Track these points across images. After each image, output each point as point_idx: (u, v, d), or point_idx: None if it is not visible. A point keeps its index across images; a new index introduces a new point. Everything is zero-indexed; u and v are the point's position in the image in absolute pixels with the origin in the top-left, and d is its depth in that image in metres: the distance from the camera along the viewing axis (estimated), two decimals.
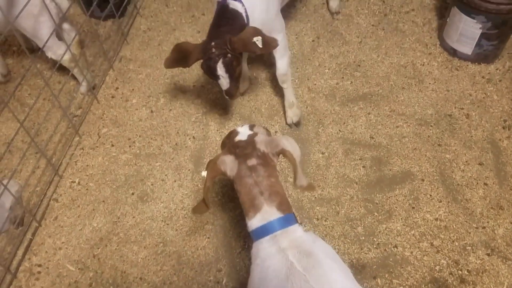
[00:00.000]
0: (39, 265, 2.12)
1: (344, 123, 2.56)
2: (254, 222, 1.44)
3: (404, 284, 1.96)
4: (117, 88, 2.88)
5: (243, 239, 2.13)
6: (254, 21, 2.17)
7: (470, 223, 2.12)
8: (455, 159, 2.36)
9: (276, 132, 2.54)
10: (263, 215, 1.42)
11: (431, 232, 2.10)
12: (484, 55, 2.75)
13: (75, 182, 2.42)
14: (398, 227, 2.13)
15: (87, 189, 2.39)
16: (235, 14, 2.13)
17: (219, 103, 2.70)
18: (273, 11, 2.30)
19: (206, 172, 1.53)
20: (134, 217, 2.26)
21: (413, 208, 2.19)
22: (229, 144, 1.57)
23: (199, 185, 2.36)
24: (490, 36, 2.64)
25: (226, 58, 2.09)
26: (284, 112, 2.59)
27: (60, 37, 2.55)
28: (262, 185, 1.45)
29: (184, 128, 2.62)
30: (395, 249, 2.06)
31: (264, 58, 2.92)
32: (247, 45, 2.06)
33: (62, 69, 2.69)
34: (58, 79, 2.95)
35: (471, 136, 2.45)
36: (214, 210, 2.25)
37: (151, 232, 2.20)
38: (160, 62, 2.99)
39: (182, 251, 2.12)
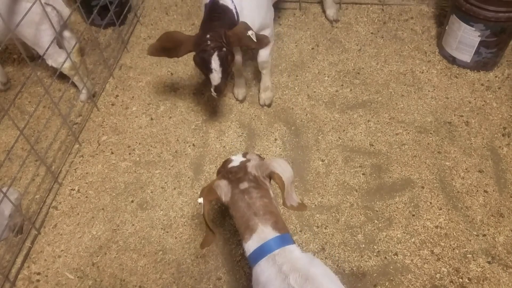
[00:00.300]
0: (38, 273, 2.11)
1: (344, 130, 2.56)
2: (250, 244, 1.43)
3: None
4: (117, 95, 2.88)
5: (243, 247, 2.12)
6: (244, 18, 2.20)
7: (471, 231, 2.12)
8: (455, 166, 2.36)
9: (275, 139, 2.54)
10: (259, 235, 1.42)
11: (431, 240, 2.10)
12: (483, 62, 2.76)
13: (74, 189, 2.42)
14: (398, 235, 2.12)
15: (86, 197, 2.38)
16: (226, 10, 2.15)
17: (219, 111, 2.70)
18: (263, 8, 2.33)
19: (201, 198, 1.53)
20: (133, 225, 2.26)
21: (413, 215, 2.19)
22: (223, 171, 1.60)
23: (198, 192, 2.35)
24: (489, 44, 2.65)
25: (221, 51, 2.08)
26: (258, 94, 2.72)
27: (60, 45, 2.56)
28: (255, 206, 1.46)
29: (184, 135, 2.62)
30: (396, 257, 2.05)
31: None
32: (242, 39, 2.08)
33: (62, 77, 2.70)
34: (58, 86, 2.95)
35: (471, 144, 2.45)
36: (214, 218, 2.24)
37: (151, 240, 2.19)
38: (160, 70, 3.00)
39: (181, 259, 2.11)
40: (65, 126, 2.62)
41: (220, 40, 2.07)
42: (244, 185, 1.51)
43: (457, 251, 2.05)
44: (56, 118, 2.74)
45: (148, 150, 2.57)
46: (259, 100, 2.72)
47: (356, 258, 2.06)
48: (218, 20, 2.12)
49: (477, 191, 2.26)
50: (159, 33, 3.27)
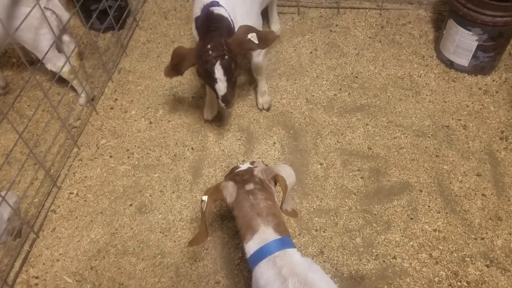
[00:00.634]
0: (37, 277, 2.11)
1: (342, 134, 2.57)
2: (251, 245, 1.44)
3: None
4: (116, 99, 2.89)
5: (242, 251, 2.12)
6: (238, 25, 2.19)
7: (469, 234, 2.12)
8: (453, 170, 2.37)
9: (274, 143, 2.55)
10: (260, 236, 1.43)
11: (429, 243, 2.10)
12: (480, 66, 2.77)
13: (73, 193, 2.42)
14: (396, 238, 2.13)
15: (85, 201, 2.38)
16: (222, 19, 2.13)
17: (218, 114, 2.71)
18: (254, 15, 2.34)
19: (206, 196, 1.54)
20: (132, 228, 2.26)
21: (412, 219, 2.19)
22: (230, 174, 1.64)
23: (197, 196, 2.35)
24: (486, 48, 2.66)
25: (224, 60, 2.05)
26: (256, 99, 2.73)
27: (59, 49, 2.57)
28: (259, 207, 1.49)
29: (182, 139, 2.62)
30: (394, 260, 2.06)
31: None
32: (243, 44, 2.06)
33: (61, 80, 2.70)
34: (57, 90, 2.96)
35: (469, 147, 2.46)
36: (212, 222, 2.24)
37: (149, 243, 2.19)
38: (159, 74, 3.01)
39: (180, 263, 2.11)
40: (64, 130, 2.62)
41: (222, 48, 2.04)
42: (249, 186, 1.54)
43: (456, 255, 2.06)
44: (55, 122, 2.75)
45: (147, 154, 2.57)
46: (257, 104, 2.72)
47: (354, 262, 2.06)
48: (216, 30, 2.10)
49: (475, 194, 2.26)
50: (158, 37, 3.29)
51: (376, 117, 2.64)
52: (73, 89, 2.81)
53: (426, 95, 2.74)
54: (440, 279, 1.99)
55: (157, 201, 2.35)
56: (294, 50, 3.09)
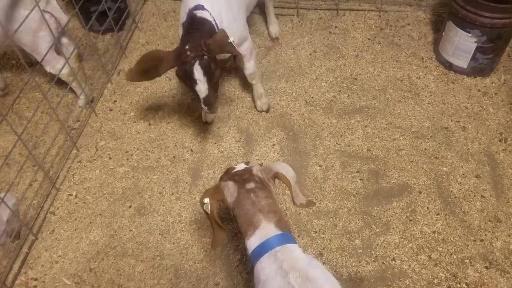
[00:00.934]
0: (35, 279, 2.10)
1: (341, 136, 2.57)
2: (252, 241, 1.45)
3: None
4: (115, 101, 2.89)
5: (241, 253, 2.12)
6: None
7: (468, 236, 2.12)
8: (452, 171, 2.37)
9: (273, 144, 2.55)
10: (262, 231, 1.45)
11: (429, 245, 2.10)
12: (479, 68, 2.78)
13: (72, 195, 2.42)
14: (396, 240, 2.13)
15: (84, 202, 2.38)
16: (204, 22, 2.10)
17: (217, 117, 2.71)
18: (240, 20, 2.33)
19: (208, 199, 1.55)
20: (131, 230, 2.25)
21: (411, 220, 2.19)
22: (228, 175, 1.64)
23: (196, 197, 2.35)
24: (485, 49, 2.67)
25: (203, 60, 2.00)
26: (254, 102, 2.73)
27: (58, 51, 2.57)
28: (260, 204, 1.50)
29: (182, 141, 2.62)
30: (393, 262, 2.06)
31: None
32: (223, 46, 2.03)
33: (60, 82, 2.70)
34: (56, 92, 2.96)
35: (468, 149, 2.46)
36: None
37: (148, 245, 2.19)
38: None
39: (179, 265, 2.11)
40: (63, 132, 2.62)
41: (200, 49, 1.99)
42: (250, 185, 1.55)
43: (455, 256, 2.06)
44: (54, 124, 2.74)
45: (146, 156, 2.57)
46: (256, 107, 2.73)
47: (353, 264, 2.06)
48: (197, 32, 2.05)
49: (474, 196, 2.26)
50: (157, 39, 3.29)
51: (375, 119, 2.64)
52: (72, 90, 2.81)
53: (425, 97, 2.74)
54: (440, 281, 1.98)
55: (156, 203, 2.35)
56: (293, 52, 3.09)
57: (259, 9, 3.30)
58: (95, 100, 2.88)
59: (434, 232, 2.14)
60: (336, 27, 3.25)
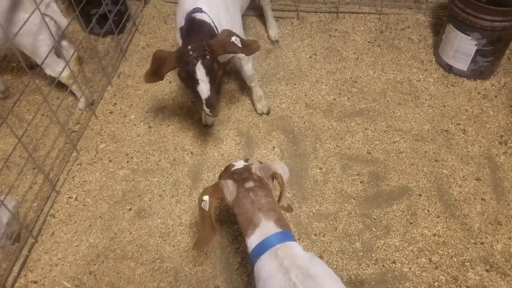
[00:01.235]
0: (35, 282, 2.10)
1: (342, 138, 2.57)
2: (253, 240, 1.46)
3: None
4: (115, 103, 2.89)
5: (241, 255, 2.12)
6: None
7: (468, 239, 2.12)
8: (452, 174, 2.37)
9: (273, 147, 2.55)
10: (262, 230, 1.46)
11: (429, 248, 2.10)
12: (479, 71, 2.78)
13: (72, 197, 2.42)
14: (396, 243, 2.12)
15: (84, 205, 2.38)
16: (203, 24, 2.11)
17: (217, 119, 2.71)
18: (237, 21, 2.34)
19: (207, 196, 1.56)
20: (131, 233, 2.25)
21: (411, 223, 2.19)
22: (227, 173, 1.66)
23: (196, 200, 2.35)
24: (485, 52, 2.67)
25: (205, 59, 1.99)
26: (254, 105, 2.73)
27: (58, 54, 2.57)
28: (260, 203, 1.52)
29: (182, 143, 2.62)
30: (394, 265, 2.05)
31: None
32: (226, 46, 2.02)
33: (60, 85, 2.71)
34: (56, 95, 2.96)
35: (468, 152, 2.46)
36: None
37: (148, 248, 2.19)
38: None
39: (179, 268, 2.11)
40: (63, 134, 2.62)
41: (203, 49, 1.99)
42: (249, 184, 1.57)
43: (455, 259, 2.05)
44: (54, 126, 2.74)
45: (146, 158, 2.57)
46: (256, 110, 2.73)
47: (354, 266, 2.05)
48: (198, 34, 2.05)
49: (475, 199, 2.26)
50: (157, 41, 3.30)
51: (376, 122, 2.64)
52: (72, 93, 2.82)
53: (425, 99, 2.74)
54: (440, 284, 1.98)
55: (156, 206, 2.35)
56: (294, 54, 3.10)
57: (259, 12, 3.30)
58: (96, 103, 2.89)
59: (434, 235, 2.14)
60: (336, 30, 3.25)
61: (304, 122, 2.67)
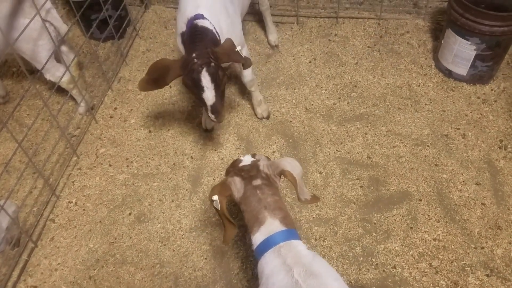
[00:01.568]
0: (35, 287, 2.10)
1: (342, 143, 2.57)
2: (258, 237, 1.47)
3: None
4: (115, 108, 2.89)
5: (241, 260, 2.11)
6: (224, 37, 2.18)
7: (469, 244, 2.11)
8: (452, 179, 2.37)
9: (273, 152, 2.55)
10: (267, 227, 1.47)
11: (429, 253, 2.10)
12: (479, 76, 2.79)
13: (72, 202, 2.42)
14: (396, 248, 2.12)
15: (84, 210, 2.38)
16: (206, 31, 2.12)
17: (217, 124, 2.71)
18: (237, 26, 2.35)
19: (216, 196, 1.56)
20: (131, 237, 2.25)
21: (411, 228, 2.19)
22: (234, 169, 1.66)
23: (196, 205, 2.35)
24: (484, 57, 2.68)
25: (210, 67, 2.01)
26: (254, 109, 2.74)
27: (58, 59, 2.58)
28: (266, 201, 1.53)
29: (182, 148, 2.62)
30: (394, 269, 2.05)
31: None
32: (230, 54, 2.04)
33: (61, 90, 2.71)
34: (57, 99, 2.97)
35: (468, 156, 2.46)
36: (212, 231, 2.24)
37: (148, 253, 2.18)
38: None
39: (179, 272, 2.10)
40: (63, 139, 2.63)
41: (208, 56, 2.01)
42: (257, 181, 1.58)
43: (456, 264, 2.05)
44: (55, 131, 2.75)
45: (146, 163, 2.57)
46: (256, 114, 2.73)
47: (354, 271, 2.05)
48: (201, 41, 2.06)
49: (475, 203, 2.26)
50: (157, 46, 3.31)
51: (375, 126, 2.64)
52: (72, 98, 2.82)
53: (425, 104, 2.75)
54: None
55: (156, 210, 2.34)
56: (293, 59, 3.10)
57: (258, 17, 3.31)
58: (96, 107, 2.89)
59: (434, 239, 2.14)
60: (335, 34, 3.26)
61: (304, 127, 2.67)
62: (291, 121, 2.71)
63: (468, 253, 2.08)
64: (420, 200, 2.29)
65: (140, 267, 2.13)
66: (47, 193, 2.43)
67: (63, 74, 2.54)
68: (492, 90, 2.80)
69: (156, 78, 2.07)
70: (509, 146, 2.49)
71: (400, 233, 2.17)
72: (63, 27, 2.53)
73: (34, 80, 2.92)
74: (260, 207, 1.51)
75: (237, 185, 1.58)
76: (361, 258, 2.09)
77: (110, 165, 2.57)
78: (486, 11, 2.50)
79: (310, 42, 3.22)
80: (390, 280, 2.01)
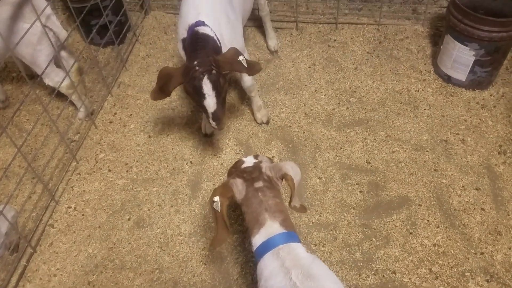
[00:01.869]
0: None
1: (341, 148, 2.57)
2: (258, 239, 1.48)
3: None
4: (115, 113, 2.89)
5: (240, 266, 2.11)
6: (226, 44, 2.19)
7: (468, 249, 2.11)
8: (452, 184, 2.37)
9: (273, 156, 2.55)
10: (267, 229, 1.48)
11: (429, 258, 2.09)
12: (478, 81, 2.79)
13: (71, 207, 2.41)
14: (396, 253, 2.11)
15: (83, 215, 2.37)
16: (207, 38, 2.12)
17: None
18: (238, 33, 2.35)
19: (218, 197, 1.56)
20: (130, 243, 2.24)
21: (411, 233, 2.18)
22: (237, 171, 1.66)
23: (196, 210, 2.35)
24: (483, 63, 2.68)
25: (212, 74, 2.02)
26: (253, 114, 2.74)
27: (58, 65, 2.58)
28: (267, 204, 1.53)
29: (181, 153, 2.62)
30: (394, 275, 2.04)
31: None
32: (233, 64, 2.05)
33: (60, 95, 2.71)
34: (56, 104, 2.97)
35: (467, 162, 2.46)
36: (211, 236, 2.23)
37: (147, 258, 2.18)
38: None
39: (178, 278, 2.10)
40: (63, 144, 2.62)
41: (209, 64, 2.02)
42: (259, 184, 1.59)
43: (455, 270, 2.05)
44: (54, 136, 2.75)
45: (145, 168, 2.57)
46: (255, 119, 2.73)
47: (354, 277, 2.04)
48: (203, 48, 2.07)
49: (474, 209, 2.26)
50: (157, 52, 3.31)
51: (375, 131, 2.65)
52: (72, 103, 2.82)
53: (424, 109, 2.75)
54: None
55: (156, 216, 2.34)
56: (293, 64, 3.11)
57: (258, 23, 3.33)
58: (95, 113, 2.89)
59: (434, 245, 2.13)
60: (335, 40, 3.27)
61: (304, 132, 2.68)
62: (290, 126, 2.71)
63: (468, 259, 2.08)
64: (420, 205, 2.29)
65: (139, 273, 2.13)
66: (46, 198, 2.43)
67: (63, 80, 2.55)
68: (491, 95, 2.81)
69: (162, 86, 2.09)
70: (508, 152, 2.49)
71: (399, 238, 2.17)
72: (63, 33, 2.54)
73: (34, 85, 2.92)
74: (261, 209, 1.52)
75: (239, 187, 1.59)
76: (361, 264, 2.09)
77: (109, 170, 2.57)
78: (484, 17, 2.51)
79: (310, 48, 3.23)
80: (390, 286, 2.01)
